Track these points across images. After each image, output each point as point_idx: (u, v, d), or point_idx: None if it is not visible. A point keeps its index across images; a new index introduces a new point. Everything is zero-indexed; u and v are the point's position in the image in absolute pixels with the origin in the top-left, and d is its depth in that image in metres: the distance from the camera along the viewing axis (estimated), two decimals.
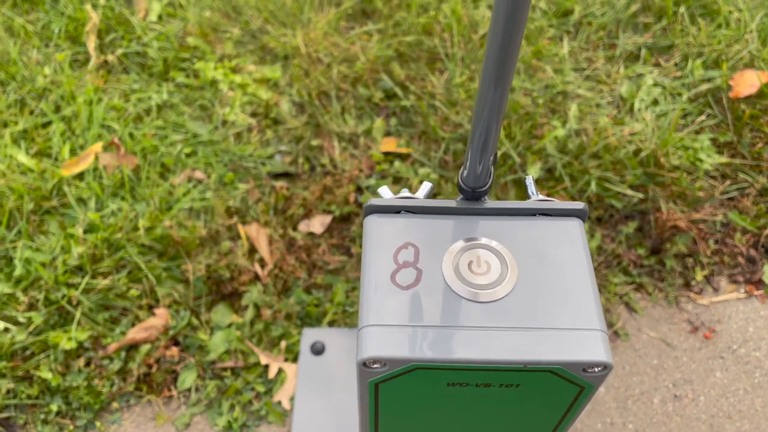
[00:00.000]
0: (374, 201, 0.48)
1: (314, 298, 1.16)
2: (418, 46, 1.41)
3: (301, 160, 1.30)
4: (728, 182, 1.27)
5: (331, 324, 1.15)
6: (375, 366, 0.43)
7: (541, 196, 0.48)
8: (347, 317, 1.18)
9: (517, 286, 0.45)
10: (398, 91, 1.36)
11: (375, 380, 0.44)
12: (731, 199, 1.28)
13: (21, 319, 1.06)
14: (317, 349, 1.10)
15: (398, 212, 0.48)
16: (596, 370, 0.43)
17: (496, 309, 0.44)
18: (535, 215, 0.47)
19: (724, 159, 1.27)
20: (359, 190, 1.28)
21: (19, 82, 1.36)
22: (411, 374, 0.43)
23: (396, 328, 0.43)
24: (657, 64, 1.39)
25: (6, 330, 1.06)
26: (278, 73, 1.39)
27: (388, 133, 1.33)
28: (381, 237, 0.47)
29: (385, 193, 0.49)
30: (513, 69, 0.40)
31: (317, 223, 1.25)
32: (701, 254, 1.24)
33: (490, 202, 0.47)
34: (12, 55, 1.39)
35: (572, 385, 0.44)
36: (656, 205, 1.25)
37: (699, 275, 1.22)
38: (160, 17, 1.48)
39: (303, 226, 1.23)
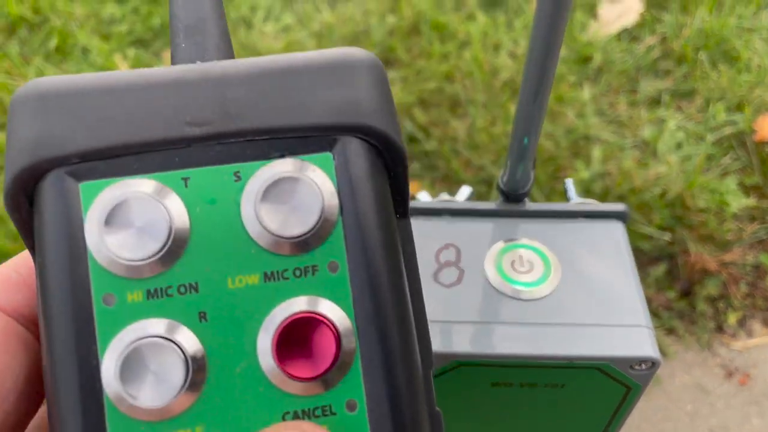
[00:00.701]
0: (415, 204, 0.47)
1: None
2: (439, 93, 1.43)
3: None
4: (756, 224, 1.26)
5: None
6: None
7: (581, 199, 0.48)
8: None
9: (561, 285, 0.44)
10: (420, 135, 1.37)
11: None
12: (761, 241, 1.26)
13: None
14: None
15: (438, 215, 0.48)
16: (643, 367, 0.41)
17: (541, 306, 0.43)
18: (576, 217, 0.47)
19: (751, 202, 1.26)
20: None
21: None
22: (454, 372, 0.42)
23: (439, 324, 0.42)
24: (679, 109, 1.40)
25: None
26: None
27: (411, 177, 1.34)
28: (422, 239, 0.46)
29: (424, 198, 0.49)
30: (551, 81, 0.41)
31: None
32: (732, 297, 1.21)
33: (531, 204, 0.47)
34: None
35: (619, 385, 0.42)
36: (684, 247, 1.23)
37: (731, 318, 1.20)
38: None
39: None
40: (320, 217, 0.20)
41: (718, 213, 1.25)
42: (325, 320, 0.19)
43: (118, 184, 0.19)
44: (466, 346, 0.41)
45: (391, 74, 1.48)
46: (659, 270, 1.22)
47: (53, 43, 1.56)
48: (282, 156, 0.20)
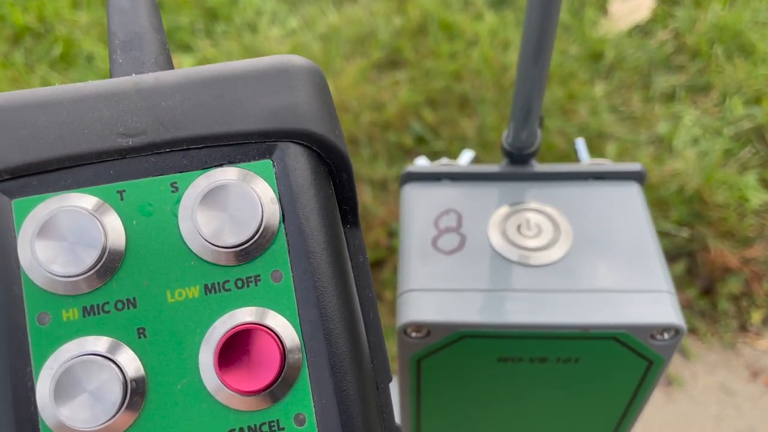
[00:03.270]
0: (412, 168, 0.44)
1: None
2: (447, 92, 1.40)
3: None
4: None
5: None
6: (416, 335, 0.38)
7: (593, 160, 0.44)
8: None
9: (572, 249, 0.40)
10: (429, 135, 1.34)
11: (417, 355, 0.39)
12: None
13: None
14: None
15: (438, 179, 0.44)
16: (665, 336, 0.37)
17: (550, 272, 0.39)
18: (588, 179, 0.43)
19: None
20: (390, 234, 1.24)
21: None
22: (457, 345, 0.38)
23: (440, 292, 0.39)
24: (695, 103, 1.36)
25: None
26: None
27: None
28: (421, 204, 0.43)
29: (423, 162, 0.45)
30: (552, 42, 0.38)
31: None
32: (756, 295, 1.16)
33: (538, 166, 0.44)
34: None
35: (639, 357, 0.38)
36: (704, 244, 1.19)
37: (755, 317, 1.15)
38: None
39: None
40: (260, 225, 0.19)
41: (737, 208, 1.21)
42: (268, 331, 0.19)
43: (52, 200, 0.19)
44: (470, 315, 0.37)
45: (399, 75, 1.45)
46: (679, 268, 1.17)
47: (58, 50, 1.55)
48: (220, 165, 0.20)
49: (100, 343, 0.18)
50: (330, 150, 0.21)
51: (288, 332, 0.19)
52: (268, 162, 0.20)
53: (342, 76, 1.44)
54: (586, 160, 0.45)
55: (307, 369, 0.19)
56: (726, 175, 1.22)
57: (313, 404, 0.19)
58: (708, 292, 1.17)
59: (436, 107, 1.39)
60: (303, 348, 0.19)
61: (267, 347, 0.19)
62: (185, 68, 0.20)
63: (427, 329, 0.38)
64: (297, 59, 0.21)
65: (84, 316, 0.19)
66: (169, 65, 0.23)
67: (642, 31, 1.47)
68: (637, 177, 0.43)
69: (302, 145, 0.20)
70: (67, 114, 0.19)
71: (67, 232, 0.18)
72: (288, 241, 0.20)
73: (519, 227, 0.41)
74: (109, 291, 0.19)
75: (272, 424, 0.19)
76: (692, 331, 1.15)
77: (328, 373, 0.19)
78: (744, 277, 1.17)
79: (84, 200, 0.19)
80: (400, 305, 0.38)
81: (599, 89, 1.38)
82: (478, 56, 1.43)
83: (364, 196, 1.27)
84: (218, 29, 1.58)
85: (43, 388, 0.18)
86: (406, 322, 0.37)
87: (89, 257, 0.18)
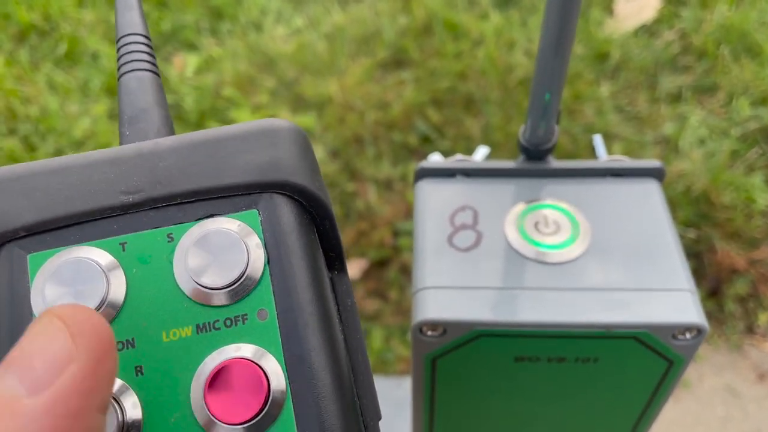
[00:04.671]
0: (426, 164, 0.43)
1: None
2: (453, 92, 1.40)
3: (336, 205, 1.27)
4: None
5: None
6: (432, 333, 0.37)
7: (612, 156, 0.44)
8: (386, 366, 1.11)
9: (591, 247, 0.40)
10: (434, 135, 1.34)
11: (432, 354, 0.38)
12: None
13: None
14: None
15: (453, 175, 0.44)
16: (687, 336, 0.37)
17: (569, 270, 0.39)
18: (606, 175, 0.43)
19: None
20: (395, 233, 1.23)
21: (58, 134, 1.37)
22: (473, 344, 0.38)
23: (456, 290, 0.38)
24: (701, 104, 1.35)
25: None
26: (312, 121, 1.38)
27: None
28: (435, 201, 0.42)
29: (437, 158, 0.45)
30: (574, 34, 0.37)
31: (354, 268, 1.20)
32: (763, 296, 1.16)
33: (555, 162, 0.43)
34: (52, 108, 1.40)
35: (660, 357, 0.38)
36: (710, 245, 1.18)
37: (762, 319, 1.14)
38: (196, 71, 1.50)
39: None
40: (246, 268, 0.21)
41: (744, 209, 1.20)
42: (254, 366, 0.20)
43: (62, 253, 0.21)
44: (486, 314, 0.37)
45: (404, 75, 1.45)
46: None
47: (63, 48, 1.55)
48: (211, 216, 0.22)
49: None
50: (311, 199, 0.22)
51: (273, 367, 0.20)
52: (254, 212, 0.22)
53: (347, 76, 1.44)
54: (604, 157, 0.44)
55: (291, 401, 0.20)
56: (733, 176, 1.21)
57: None
58: (715, 293, 1.16)
59: (441, 107, 1.39)
60: (287, 381, 0.20)
61: (253, 381, 0.20)
62: (181, 134, 0.23)
63: (443, 328, 0.37)
64: (280, 122, 0.23)
65: None
66: (171, 134, 0.26)
67: (648, 31, 1.47)
68: (656, 174, 0.42)
69: (285, 195, 0.22)
70: (76, 177, 0.22)
71: (75, 279, 0.21)
72: (272, 281, 0.21)
73: (536, 224, 0.41)
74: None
75: None
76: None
77: (312, 405, 0.20)
78: (751, 279, 1.16)
79: (90, 252, 0.21)
80: (416, 303, 0.38)
81: (605, 89, 1.37)
82: (483, 56, 1.42)
83: (369, 195, 1.27)
84: (223, 28, 1.58)
85: None
86: (421, 320, 0.37)
87: (93, 302, 0.21)
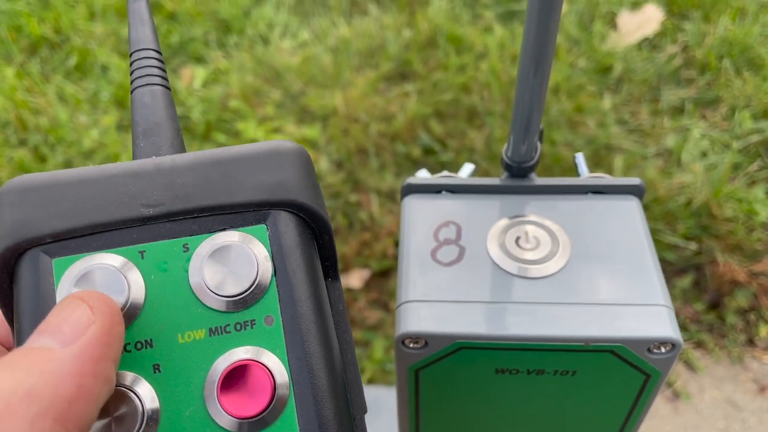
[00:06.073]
0: (412, 180, 0.45)
1: None
2: (456, 104, 1.41)
3: (339, 215, 1.28)
4: None
5: (370, 382, 1.09)
6: (414, 346, 0.38)
7: (593, 174, 0.45)
8: (387, 375, 1.12)
9: (570, 262, 0.41)
10: (437, 146, 1.35)
11: (415, 366, 0.40)
12: None
13: None
14: None
15: (438, 192, 0.45)
16: (662, 350, 0.38)
17: (548, 284, 0.40)
18: (587, 192, 0.44)
19: None
20: (397, 244, 1.24)
21: (67, 144, 1.39)
22: (455, 357, 0.39)
23: (438, 303, 0.39)
24: (703, 117, 1.36)
25: None
26: (317, 133, 1.40)
27: None
28: (420, 216, 0.43)
29: (424, 175, 0.46)
30: (551, 56, 0.38)
31: (356, 278, 1.21)
32: (764, 309, 1.16)
33: (538, 179, 0.44)
34: (62, 119, 1.43)
35: (636, 371, 0.39)
36: (712, 257, 1.18)
37: (763, 331, 1.14)
38: (204, 83, 1.52)
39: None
40: (256, 279, 0.23)
41: (746, 222, 1.20)
42: (262, 366, 0.22)
43: (85, 258, 0.23)
44: (468, 327, 0.38)
45: (407, 87, 1.46)
46: (686, 281, 1.17)
47: (73, 61, 1.58)
48: (224, 229, 0.24)
49: (122, 377, 0.22)
50: (314, 216, 0.25)
51: (278, 368, 0.23)
52: (263, 227, 0.24)
53: (352, 88, 1.45)
54: (585, 174, 0.46)
55: (293, 398, 0.22)
56: (734, 188, 1.22)
57: (298, 429, 0.22)
58: (716, 305, 1.17)
59: (444, 119, 1.40)
60: (290, 381, 0.23)
61: (260, 380, 0.22)
62: (196, 151, 0.25)
63: (425, 340, 0.38)
64: (287, 143, 0.25)
65: None
66: (182, 148, 0.28)
67: (651, 44, 1.48)
68: (636, 191, 0.43)
69: (291, 212, 0.24)
70: (100, 189, 0.24)
71: (98, 285, 0.22)
72: (279, 291, 0.23)
73: (518, 239, 0.42)
74: (131, 333, 0.23)
75: None
76: (700, 344, 1.15)
77: (311, 402, 0.22)
78: (752, 291, 1.16)
79: (112, 259, 0.23)
80: (399, 316, 0.39)
81: (607, 102, 1.38)
82: (486, 69, 1.43)
83: (372, 206, 1.28)
84: (231, 41, 1.60)
85: None
86: (403, 332, 0.38)
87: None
